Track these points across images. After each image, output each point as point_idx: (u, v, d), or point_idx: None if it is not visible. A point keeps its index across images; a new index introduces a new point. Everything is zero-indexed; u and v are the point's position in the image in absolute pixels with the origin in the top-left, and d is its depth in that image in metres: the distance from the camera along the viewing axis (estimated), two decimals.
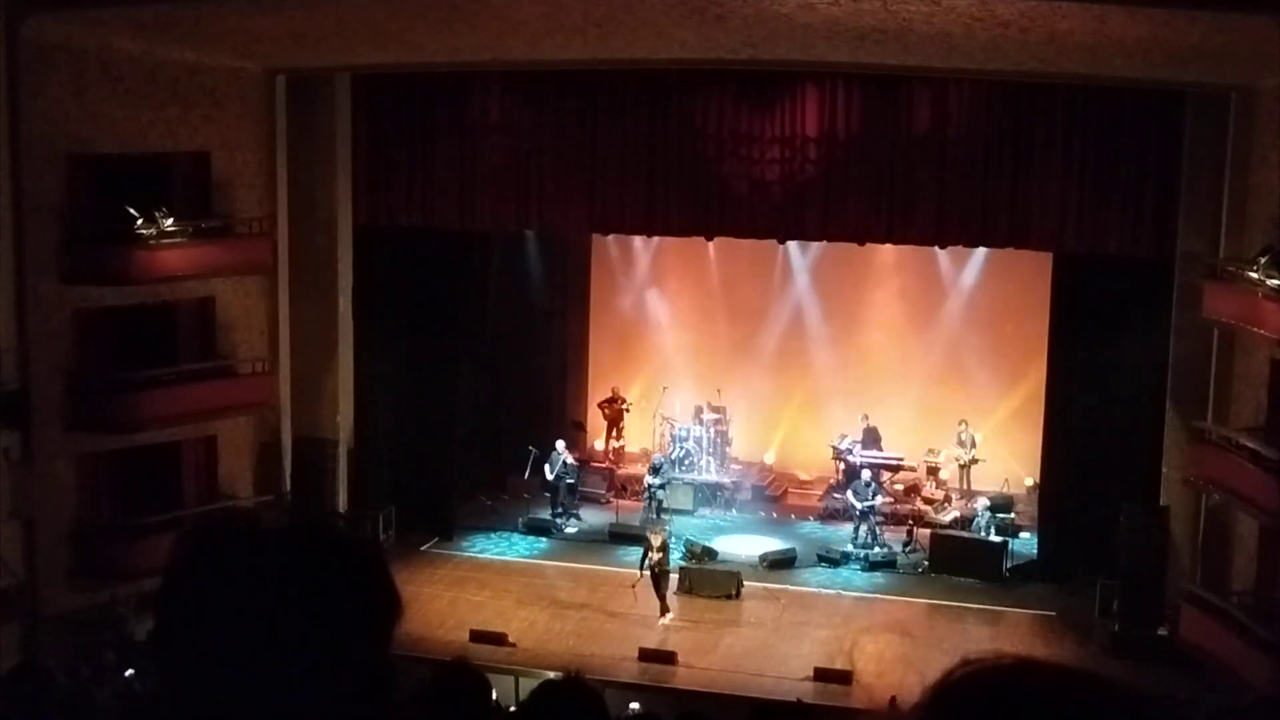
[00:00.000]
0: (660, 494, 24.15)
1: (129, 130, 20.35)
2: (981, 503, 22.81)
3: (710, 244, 25.67)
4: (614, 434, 26.69)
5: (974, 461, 24.59)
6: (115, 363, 20.55)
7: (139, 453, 20.92)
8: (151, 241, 20.37)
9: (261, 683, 1.45)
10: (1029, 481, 24.04)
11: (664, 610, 20.03)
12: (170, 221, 20.55)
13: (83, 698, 7.35)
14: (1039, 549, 22.47)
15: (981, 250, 23.72)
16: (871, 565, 22.53)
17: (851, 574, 22.35)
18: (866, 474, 23.38)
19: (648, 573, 20.05)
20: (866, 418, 25.37)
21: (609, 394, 26.82)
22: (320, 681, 1.47)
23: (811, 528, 24.44)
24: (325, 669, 1.47)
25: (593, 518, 24.54)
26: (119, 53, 19.97)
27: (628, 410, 26.60)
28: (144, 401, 20.64)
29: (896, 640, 19.41)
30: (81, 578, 20.07)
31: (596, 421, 27.06)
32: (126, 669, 15.92)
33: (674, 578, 20.68)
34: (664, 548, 20.14)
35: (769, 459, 26.80)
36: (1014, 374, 24.65)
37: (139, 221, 20.13)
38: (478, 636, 19.46)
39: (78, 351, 20.26)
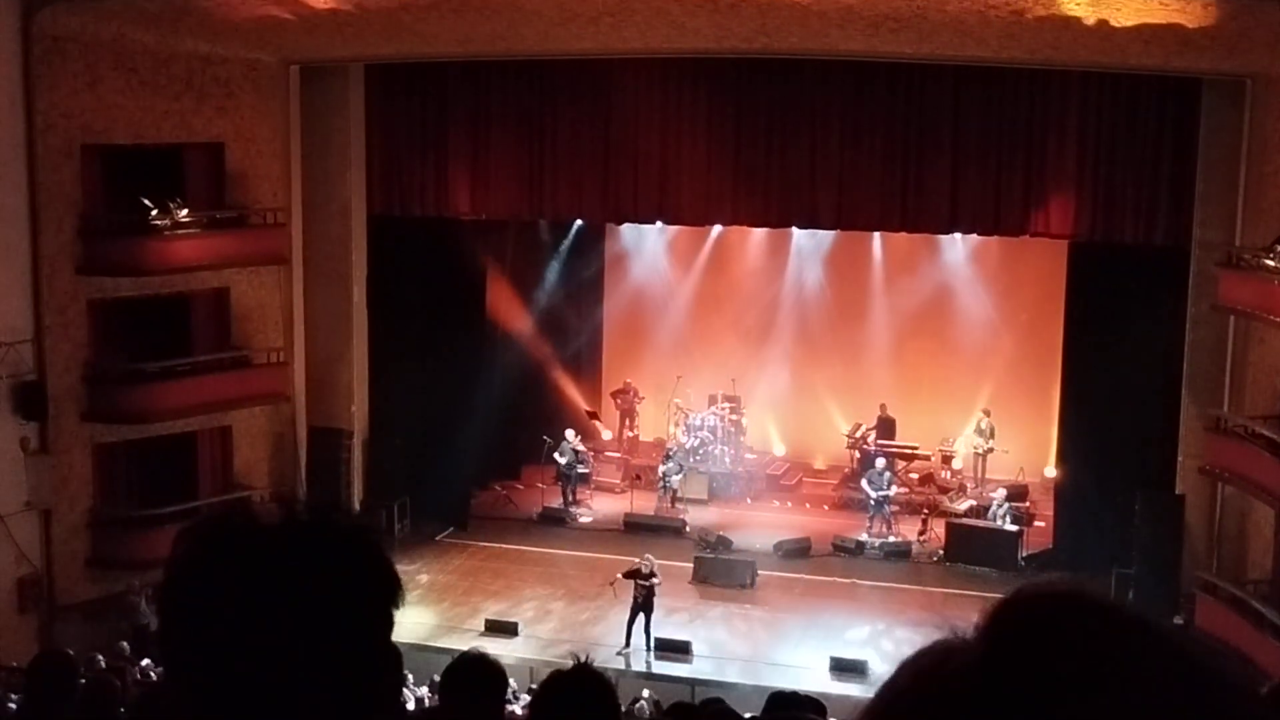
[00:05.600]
0: (674, 482, 24.14)
1: (143, 121, 20.41)
2: (999, 493, 22.75)
3: (725, 231, 25.66)
4: (627, 424, 26.71)
5: (991, 451, 24.51)
6: (131, 353, 20.64)
7: (155, 443, 21.00)
8: (166, 232, 20.45)
9: (264, 673, 1.46)
10: (1050, 472, 23.84)
11: (628, 643, 18.94)
12: (185, 212, 20.63)
13: (106, 687, 7.38)
14: (1054, 538, 22.41)
15: (996, 239, 23.61)
16: (886, 554, 22.51)
17: (866, 563, 22.33)
18: (881, 462, 23.34)
19: (627, 585, 19.19)
20: (884, 407, 25.33)
21: (621, 385, 26.87)
22: (322, 669, 1.48)
23: (826, 516, 24.39)
24: (326, 657, 1.48)
25: (607, 507, 24.55)
26: (133, 44, 20.01)
27: (640, 401, 26.63)
28: (159, 392, 20.73)
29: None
30: (98, 568, 20.18)
31: (610, 411, 27.09)
32: (143, 658, 16.01)
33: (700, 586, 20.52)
34: (653, 576, 19.03)
35: (778, 450, 26.76)
36: (1029, 363, 24.56)
37: (154, 212, 20.20)
38: (493, 626, 19.50)
39: (93, 342, 20.34)
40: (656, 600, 19.23)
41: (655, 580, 19.06)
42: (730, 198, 22.17)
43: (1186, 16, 16.71)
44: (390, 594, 1.56)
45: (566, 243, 26.44)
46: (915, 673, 1.12)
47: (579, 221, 25.35)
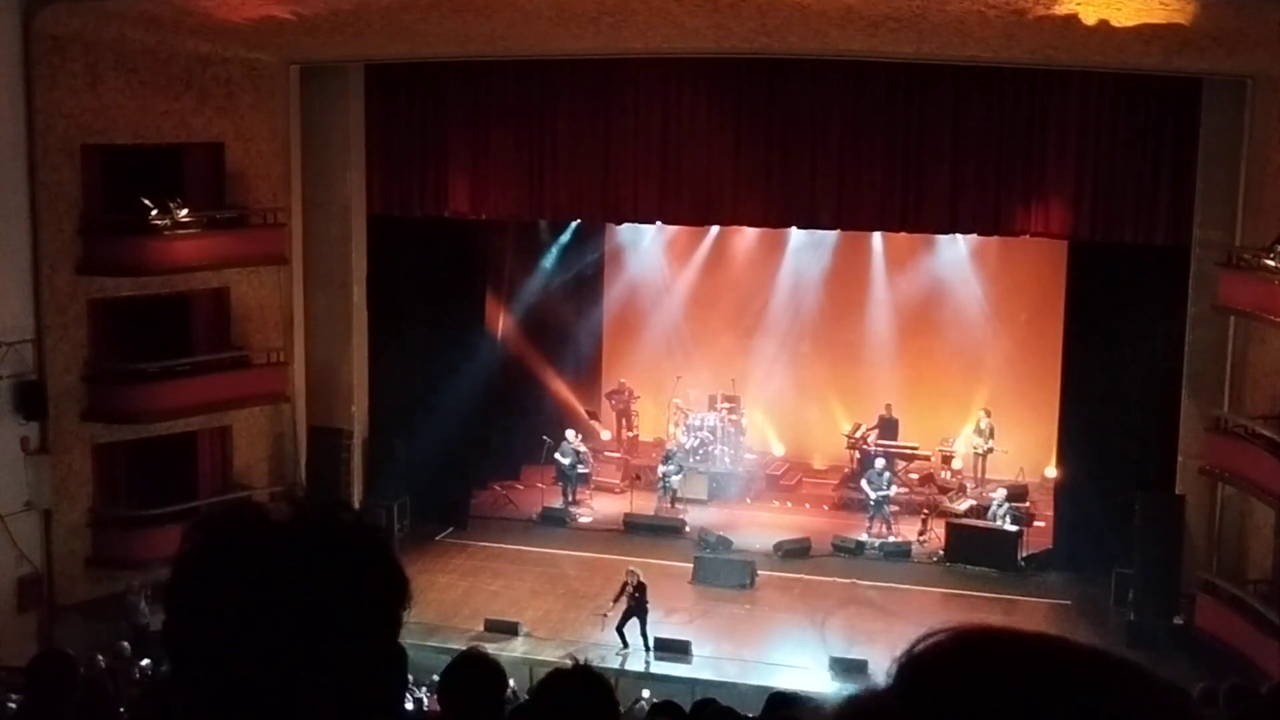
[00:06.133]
0: (674, 482, 24.14)
1: (143, 121, 20.41)
2: (999, 493, 22.75)
3: (724, 231, 25.65)
4: (624, 425, 26.73)
5: (990, 451, 24.51)
6: (130, 353, 20.64)
7: (154, 443, 21.01)
8: (166, 232, 20.45)
9: (271, 672, 1.46)
10: (1051, 472, 23.79)
11: (625, 644, 18.98)
12: (185, 212, 20.63)
13: (105, 686, 7.39)
14: (1054, 538, 22.41)
15: (996, 239, 23.59)
16: (886, 554, 22.51)
17: (866, 563, 22.31)
18: (880, 463, 23.34)
19: (620, 605, 19.17)
20: (889, 408, 25.31)
21: (615, 385, 26.92)
22: (329, 668, 1.48)
23: (826, 516, 24.39)
24: (333, 656, 1.48)
25: (607, 507, 24.55)
26: (133, 44, 20.01)
27: (635, 400, 26.66)
28: (159, 392, 20.73)
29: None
30: (98, 567, 20.18)
31: (606, 412, 27.12)
32: (143, 658, 16.02)
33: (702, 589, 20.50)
34: (640, 588, 19.03)
35: (777, 450, 26.76)
36: (1029, 363, 24.55)
37: (153, 212, 20.20)
38: (493, 626, 19.50)
39: (93, 342, 20.34)
40: (654, 602, 19.24)
41: (639, 595, 19.00)
42: (730, 198, 22.14)
43: (1186, 16, 16.71)
44: (398, 595, 1.55)
45: (566, 243, 26.45)
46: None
47: (580, 221, 25.35)
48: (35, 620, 19.56)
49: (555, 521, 24.03)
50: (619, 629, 19.00)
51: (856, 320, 26.20)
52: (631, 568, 19.54)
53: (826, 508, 24.83)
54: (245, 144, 21.78)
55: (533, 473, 25.46)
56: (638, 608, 19.02)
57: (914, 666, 1.14)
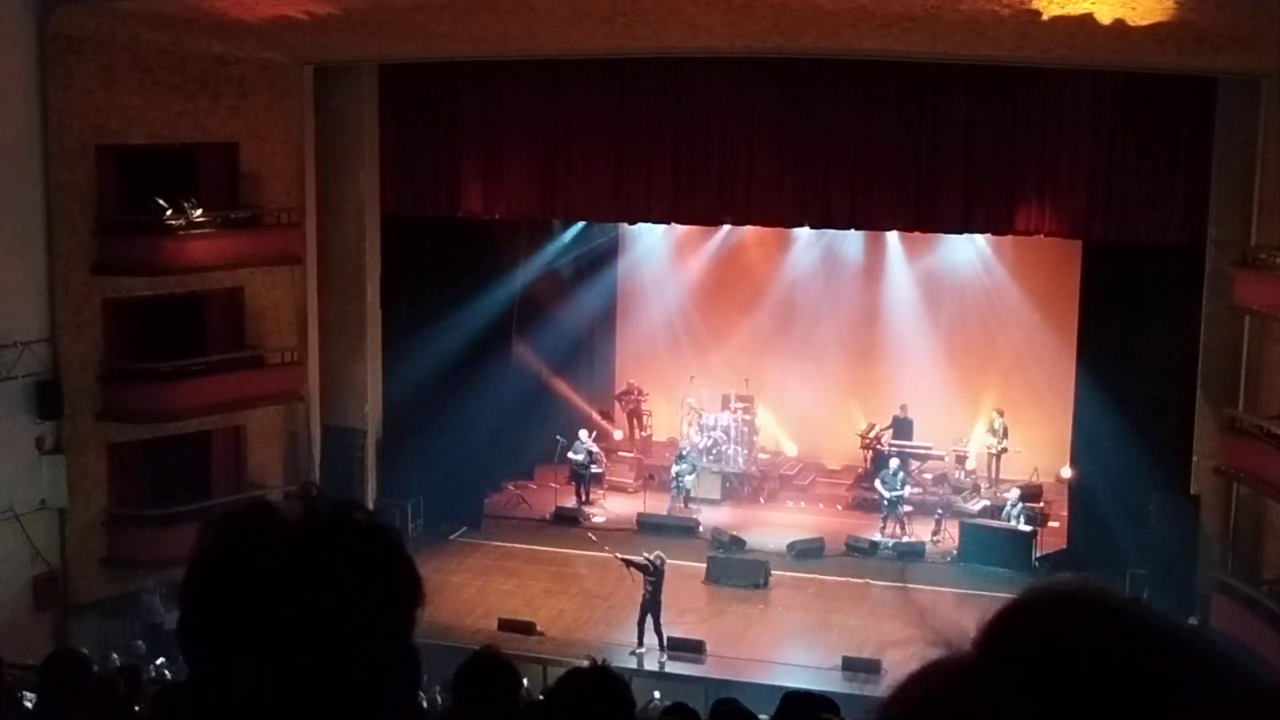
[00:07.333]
0: (687, 482, 24.13)
1: (158, 121, 20.47)
2: (1013, 493, 22.70)
3: (737, 232, 25.63)
4: (636, 425, 26.73)
5: (1004, 451, 24.45)
6: (145, 353, 20.69)
7: (169, 442, 21.06)
8: (180, 232, 20.50)
9: (285, 670, 1.46)
10: (1066, 473, 23.67)
11: (642, 642, 19.02)
12: (199, 212, 20.68)
13: (119, 685, 7.40)
14: (1069, 538, 22.35)
15: (1010, 238, 23.53)
16: (900, 554, 22.47)
17: (880, 563, 22.27)
18: (895, 463, 23.31)
19: (631, 563, 19.39)
20: (905, 408, 25.26)
21: (625, 387, 26.93)
22: (342, 667, 1.47)
23: (840, 516, 24.36)
24: (346, 655, 1.48)
25: (621, 507, 24.55)
26: (148, 44, 20.07)
27: (644, 399, 26.68)
28: (174, 391, 20.78)
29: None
30: (113, 566, 20.25)
31: (617, 413, 27.14)
32: (158, 657, 16.06)
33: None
34: (658, 574, 19.09)
35: (790, 450, 26.73)
36: (1043, 362, 24.49)
37: (168, 212, 20.25)
38: (506, 625, 19.51)
39: (108, 342, 20.41)
40: (667, 601, 19.22)
41: (653, 577, 18.99)
42: (744, 198, 22.12)
43: (1202, 15, 16.65)
44: (411, 594, 1.55)
45: (580, 242, 26.45)
46: (915, 688, 1.10)
47: (593, 221, 25.35)
48: (50, 619, 19.63)
49: (568, 521, 24.04)
50: (639, 624, 19.00)
51: (870, 320, 26.17)
52: (659, 552, 19.50)
53: (840, 508, 24.80)
54: (259, 144, 21.82)
55: (546, 472, 25.46)
56: (651, 598, 18.98)
57: (1004, 628, 1.07)
